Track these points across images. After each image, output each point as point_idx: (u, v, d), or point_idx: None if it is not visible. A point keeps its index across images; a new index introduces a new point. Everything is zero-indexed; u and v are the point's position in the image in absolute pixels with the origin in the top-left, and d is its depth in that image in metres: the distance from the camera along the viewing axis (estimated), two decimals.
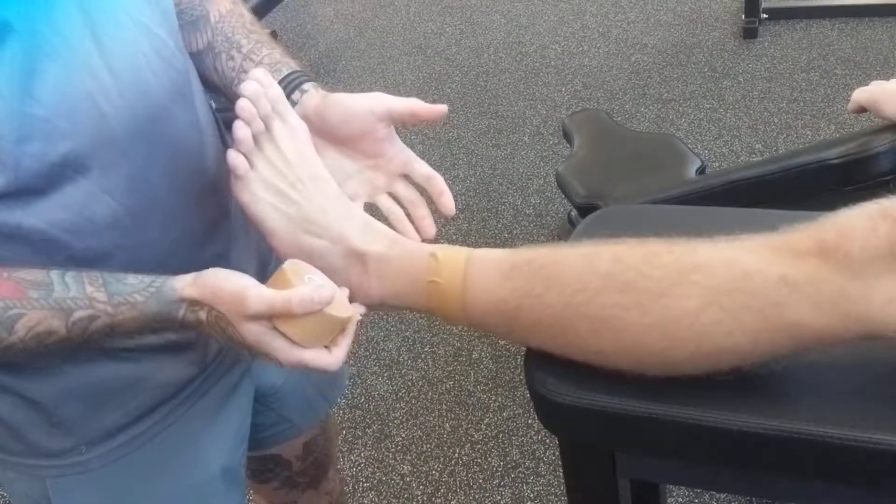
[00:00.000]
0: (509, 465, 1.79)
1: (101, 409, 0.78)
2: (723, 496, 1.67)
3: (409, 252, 0.70)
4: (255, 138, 0.71)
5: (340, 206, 0.72)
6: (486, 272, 0.66)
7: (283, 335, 0.67)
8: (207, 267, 0.70)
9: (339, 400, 1.12)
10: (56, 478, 0.81)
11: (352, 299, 0.71)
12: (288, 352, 0.67)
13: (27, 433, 0.78)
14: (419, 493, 1.77)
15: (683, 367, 0.61)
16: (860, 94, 1.03)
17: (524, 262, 0.66)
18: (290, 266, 0.68)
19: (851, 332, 0.55)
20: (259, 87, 0.70)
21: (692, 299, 0.58)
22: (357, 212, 0.73)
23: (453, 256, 0.68)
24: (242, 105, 0.69)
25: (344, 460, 1.85)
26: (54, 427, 0.78)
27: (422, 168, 0.82)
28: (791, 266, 0.55)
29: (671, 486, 1.61)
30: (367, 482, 1.80)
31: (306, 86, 0.79)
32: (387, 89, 3.18)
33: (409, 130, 2.93)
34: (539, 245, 0.67)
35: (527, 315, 0.65)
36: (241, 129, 0.70)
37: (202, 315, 0.68)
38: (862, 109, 1.04)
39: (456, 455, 1.84)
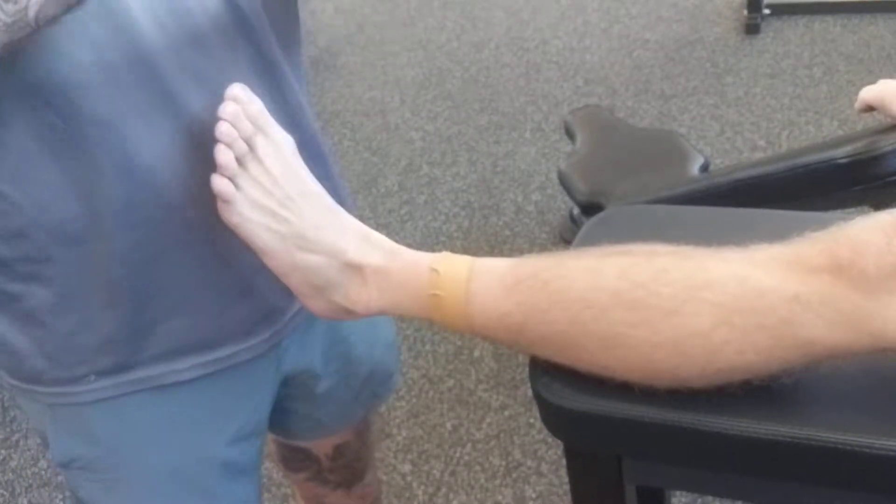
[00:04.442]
0: (511, 465, 1.78)
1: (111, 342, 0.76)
2: (728, 501, 1.66)
3: (409, 264, 0.70)
4: (239, 159, 0.68)
5: (334, 219, 0.71)
6: (489, 286, 0.66)
7: None
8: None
9: (376, 410, 1.09)
10: (56, 406, 0.80)
11: (353, 311, 0.70)
12: None
13: (27, 357, 0.77)
14: (420, 492, 1.76)
15: (694, 382, 0.61)
16: (867, 93, 1.02)
17: (528, 276, 0.65)
18: None
19: (865, 347, 0.55)
20: (238, 108, 0.68)
21: (703, 318, 0.57)
22: (352, 224, 0.72)
23: (455, 268, 0.67)
24: (222, 129, 0.67)
25: None
26: (63, 352, 0.76)
27: None
28: (804, 283, 0.55)
29: (676, 491, 1.60)
30: None
31: None
32: (387, 85, 3.17)
33: (408, 126, 2.91)
34: (543, 255, 0.66)
35: (532, 330, 0.64)
36: (222, 154, 0.67)
37: None
38: (870, 108, 1.03)
39: (457, 454, 1.83)
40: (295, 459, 1.08)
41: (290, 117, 0.79)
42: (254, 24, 0.74)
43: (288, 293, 0.81)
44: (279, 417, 0.96)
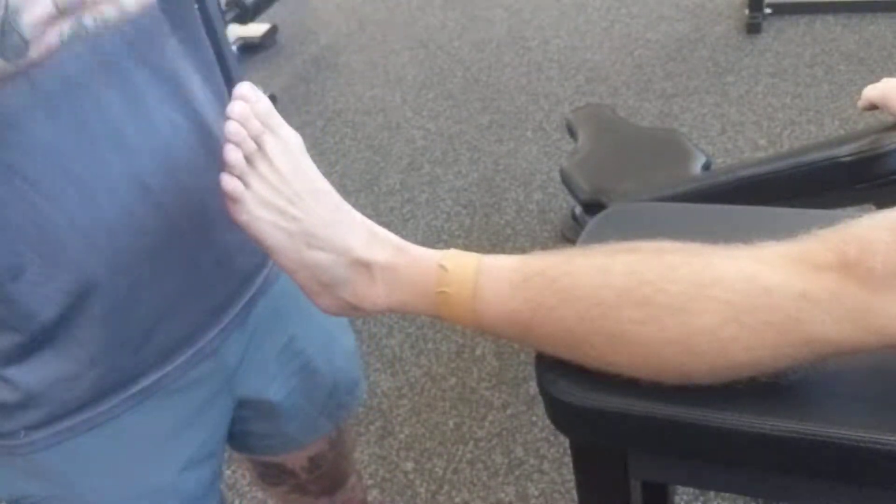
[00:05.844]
0: (513, 463, 1.79)
1: (38, 397, 0.76)
2: (729, 495, 1.66)
3: (416, 261, 0.70)
4: (248, 158, 0.68)
5: (342, 216, 0.71)
6: (496, 283, 0.66)
7: None
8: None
9: (346, 420, 1.08)
10: (1, 455, 0.79)
11: (360, 308, 0.70)
12: None
13: None
14: (422, 490, 1.77)
15: (702, 379, 0.61)
16: (871, 91, 1.02)
17: (536, 274, 0.65)
18: None
19: (872, 344, 0.55)
20: (246, 107, 0.68)
21: (711, 315, 0.57)
22: (360, 220, 0.72)
23: (463, 265, 0.67)
24: (231, 129, 0.67)
25: None
26: None
27: None
28: (812, 281, 0.55)
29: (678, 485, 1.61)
30: (370, 479, 1.79)
31: None
32: (388, 83, 3.16)
33: (410, 125, 2.92)
34: (550, 253, 0.66)
35: (540, 327, 0.64)
36: (231, 153, 0.67)
37: None
38: (873, 106, 1.03)
39: (459, 452, 1.83)
40: (270, 475, 1.07)
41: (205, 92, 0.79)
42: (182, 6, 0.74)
43: (207, 315, 0.82)
44: (244, 437, 0.95)
